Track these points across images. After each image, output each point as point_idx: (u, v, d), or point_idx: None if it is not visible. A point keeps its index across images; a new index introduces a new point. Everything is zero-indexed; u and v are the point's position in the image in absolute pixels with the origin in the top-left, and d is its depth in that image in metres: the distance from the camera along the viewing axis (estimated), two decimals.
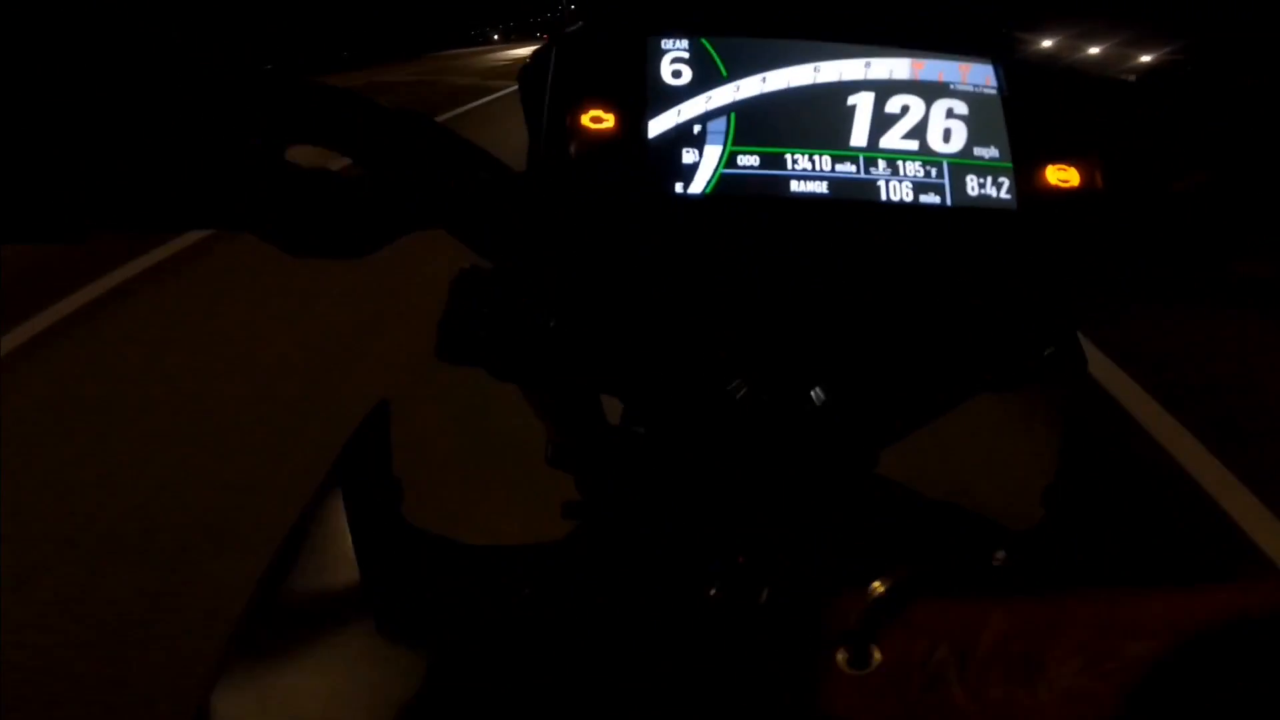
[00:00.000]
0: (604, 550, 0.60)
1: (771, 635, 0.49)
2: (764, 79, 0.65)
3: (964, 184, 0.66)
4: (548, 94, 0.65)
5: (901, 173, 0.65)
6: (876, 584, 0.47)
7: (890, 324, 0.63)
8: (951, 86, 0.66)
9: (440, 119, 0.59)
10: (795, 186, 0.64)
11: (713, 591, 0.52)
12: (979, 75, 0.67)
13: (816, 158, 0.64)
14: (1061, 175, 0.66)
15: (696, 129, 0.64)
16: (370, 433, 0.68)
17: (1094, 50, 8.46)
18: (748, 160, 0.64)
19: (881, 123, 0.65)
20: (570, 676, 0.52)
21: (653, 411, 0.63)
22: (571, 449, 0.67)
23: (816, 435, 0.61)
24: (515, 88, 0.68)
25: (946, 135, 0.66)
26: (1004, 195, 0.66)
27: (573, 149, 0.62)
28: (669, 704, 0.49)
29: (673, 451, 0.62)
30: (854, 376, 0.62)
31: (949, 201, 0.65)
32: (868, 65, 0.65)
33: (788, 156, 0.64)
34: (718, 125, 0.64)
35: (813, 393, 0.61)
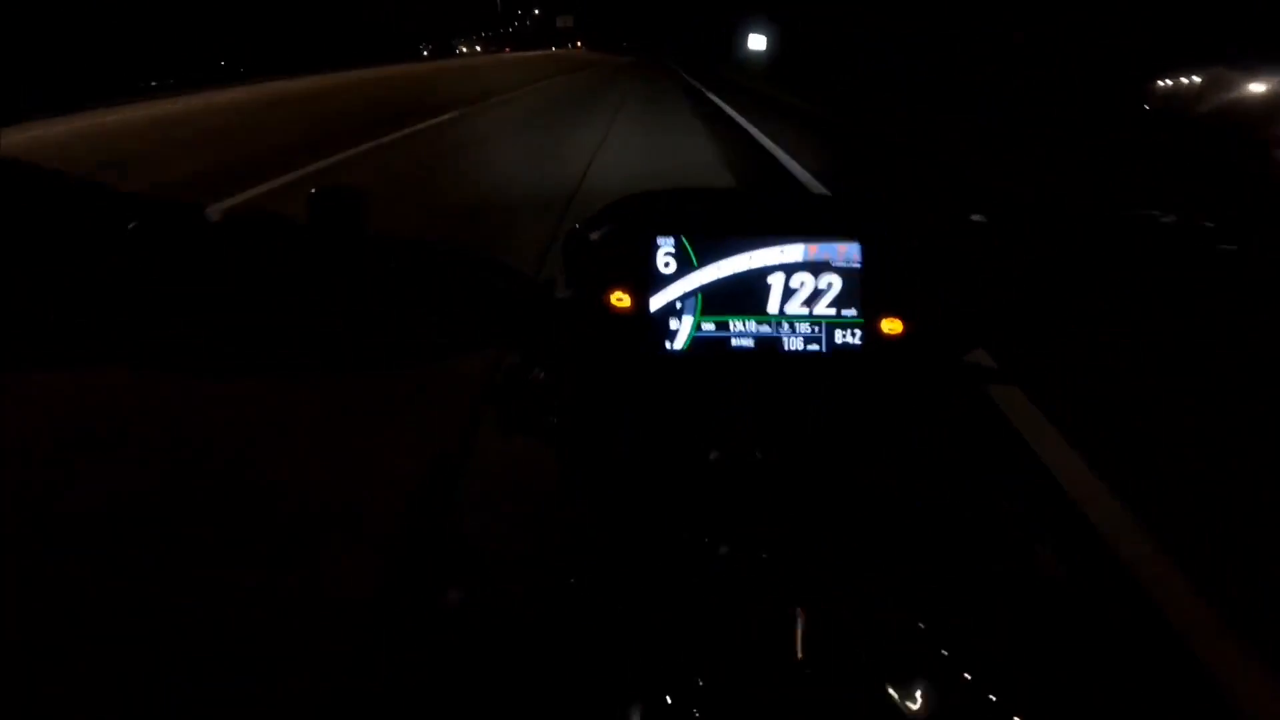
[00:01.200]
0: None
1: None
2: (719, 267, 1.03)
3: (834, 336, 1.06)
4: (588, 279, 1.03)
5: (797, 330, 1.05)
6: None
7: (795, 417, 1.04)
8: (831, 264, 1.04)
9: None
10: (735, 342, 1.05)
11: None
12: (850, 253, 1.04)
13: (747, 322, 1.05)
14: (891, 326, 1.05)
15: (678, 305, 1.04)
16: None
17: None
18: (709, 326, 1.05)
19: (787, 295, 1.04)
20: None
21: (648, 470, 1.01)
22: (587, 493, 1.00)
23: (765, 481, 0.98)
24: None
25: (825, 301, 1.05)
26: (858, 342, 1.06)
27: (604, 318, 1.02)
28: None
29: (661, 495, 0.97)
30: (781, 442, 1.00)
31: (825, 350, 1.06)
32: (781, 252, 1.03)
33: (731, 322, 1.05)
34: (691, 303, 1.04)
35: (756, 452, 0.99)
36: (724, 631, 0.80)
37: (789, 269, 1.04)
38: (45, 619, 1.85)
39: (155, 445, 2.70)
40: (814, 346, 1.05)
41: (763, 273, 1.03)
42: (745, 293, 1.04)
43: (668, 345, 1.03)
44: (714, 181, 8.16)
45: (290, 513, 2.21)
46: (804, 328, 1.05)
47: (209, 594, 1.22)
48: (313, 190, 0.96)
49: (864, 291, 1.05)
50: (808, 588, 0.84)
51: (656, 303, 1.03)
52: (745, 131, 12.05)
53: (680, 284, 1.03)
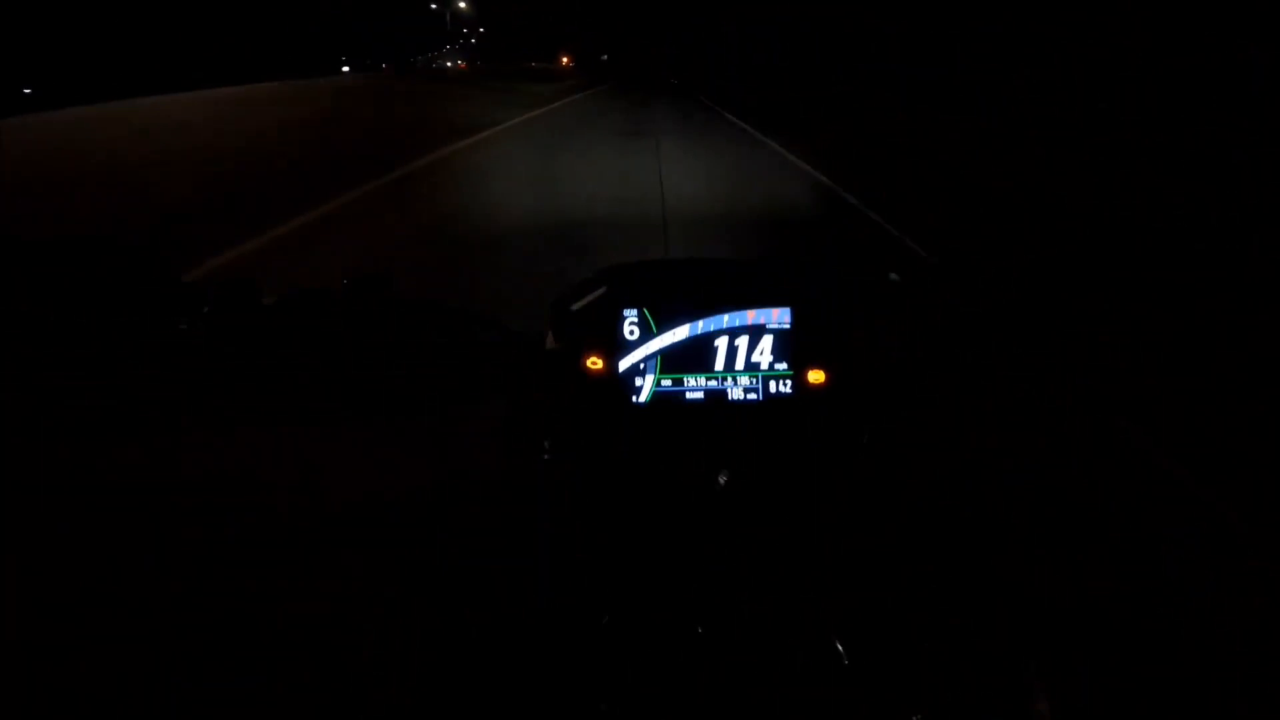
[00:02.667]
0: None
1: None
2: (675, 333, 1.26)
3: (769, 386, 1.29)
4: (570, 344, 1.25)
5: (738, 383, 1.29)
6: None
7: (739, 454, 1.25)
8: (767, 326, 1.27)
9: None
10: (689, 395, 1.29)
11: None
12: (783, 316, 1.27)
13: (698, 379, 1.29)
14: (816, 376, 1.28)
15: (641, 365, 1.27)
16: None
17: None
18: (666, 382, 1.28)
19: (731, 354, 1.27)
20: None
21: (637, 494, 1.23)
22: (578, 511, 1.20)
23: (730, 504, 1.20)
24: None
25: (761, 356, 1.28)
26: (788, 391, 1.29)
27: (583, 377, 1.25)
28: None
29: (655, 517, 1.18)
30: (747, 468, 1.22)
31: (761, 398, 1.29)
32: (726, 319, 1.27)
33: (685, 379, 1.28)
34: (651, 364, 1.27)
35: (719, 477, 1.21)
36: (714, 632, 0.97)
37: (732, 332, 1.27)
38: (45, 618, 1.84)
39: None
40: (752, 396, 1.30)
41: (710, 336, 1.27)
42: (696, 354, 1.27)
43: (634, 399, 1.27)
44: None
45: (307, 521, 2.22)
46: (744, 380, 1.29)
47: (213, 598, 1.23)
48: (345, 281, 1.24)
49: (794, 347, 1.28)
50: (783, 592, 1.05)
51: (624, 364, 1.26)
52: None
53: (643, 349, 1.26)
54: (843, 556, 1.12)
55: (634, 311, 1.25)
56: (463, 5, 59.37)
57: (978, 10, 12.82)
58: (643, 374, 1.26)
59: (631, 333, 1.25)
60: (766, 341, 1.27)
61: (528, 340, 1.32)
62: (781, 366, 1.29)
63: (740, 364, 1.28)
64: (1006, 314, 1.33)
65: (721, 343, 1.27)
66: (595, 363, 1.24)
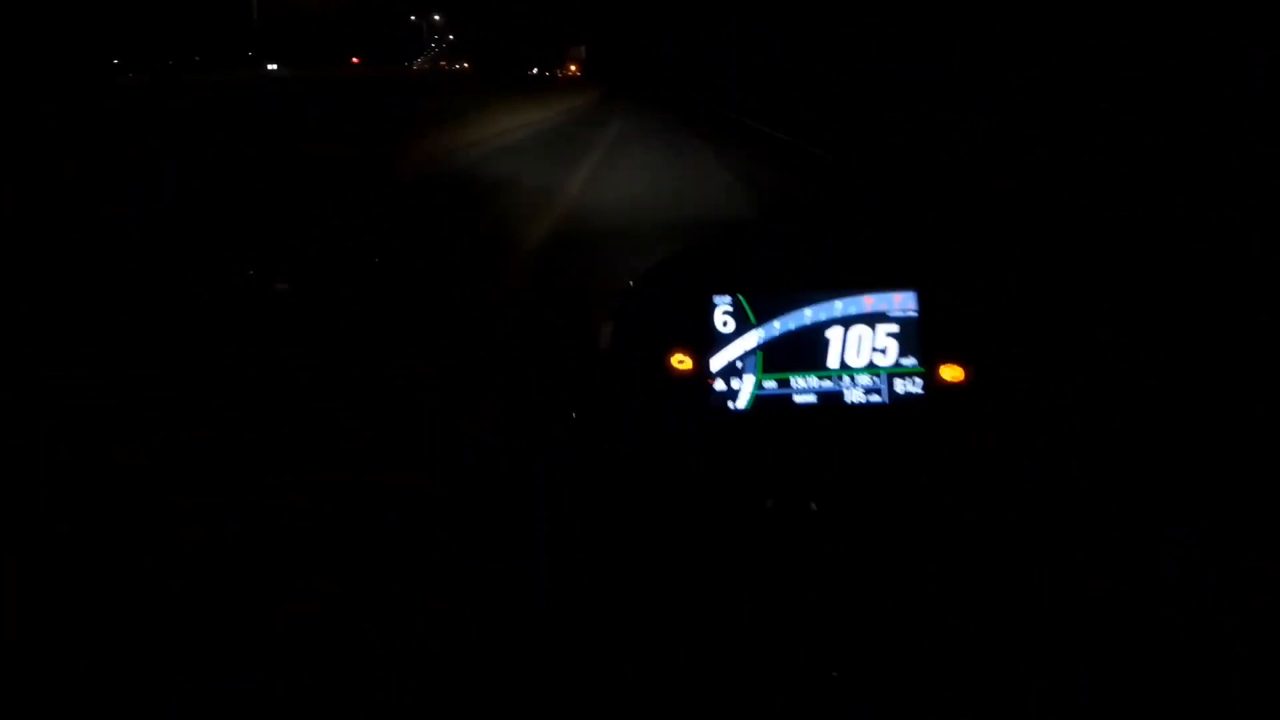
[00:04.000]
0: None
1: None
2: (777, 323, 1.07)
3: (894, 386, 1.10)
4: (647, 341, 1.05)
5: (857, 383, 1.09)
6: None
7: (855, 474, 1.06)
8: (888, 314, 1.09)
9: None
10: (797, 399, 1.08)
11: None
12: (906, 302, 1.09)
13: (808, 379, 1.09)
14: (952, 373, 1.10)
15: (739, 364, 1.06)
16: None
17: None
18: (770, 384, 1.08)
19: (846, 349, 1.08)
20: None
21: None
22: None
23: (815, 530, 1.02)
24: None
25: (885, 352, 1.09)
26: (918, 391, 1.10)
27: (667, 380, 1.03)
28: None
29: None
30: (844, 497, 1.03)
31: (887, 400, 1.09)
32: (839, 305, 1.07)
33: (792, 379, 1.08)
34: (751, 361, 1.07)
35: (810, 504, 1.03)
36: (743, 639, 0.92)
37: (847, 321, 1.08)
38: (45, 618, 1.85)
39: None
40: (875, 398, 1.10)
41: (821, 327, 1.08)
42: (805, 348, 1.08)
43: (730, 405, 1.06)
44: None
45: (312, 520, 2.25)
46: (864, 379, 1.10)
47: (213, 597, 1.24)
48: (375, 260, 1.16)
49: (922, 339, 1.09)
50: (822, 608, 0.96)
51: (717, 363, 1.06)
52: None
53: (740, 343, 1.06)
54: (844, 556, 1.02)
55: (727, 299, 1.06)
56: (437, 18, 59.98)
57: (977, 10, 12.81)
58: (740, 374, 1.07)
59: (725, 324, 1.06)
60: (890, 332, 1.09)
61: (571, 336, 1.14)
62: (909, 362, 1.10)
63: (859, 360, 1.09)
64: (1005, 313, 1.26)
65: (835, 334, 1.08)
66: (682, 361, 1.05)
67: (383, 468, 1.20)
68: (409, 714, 0.92)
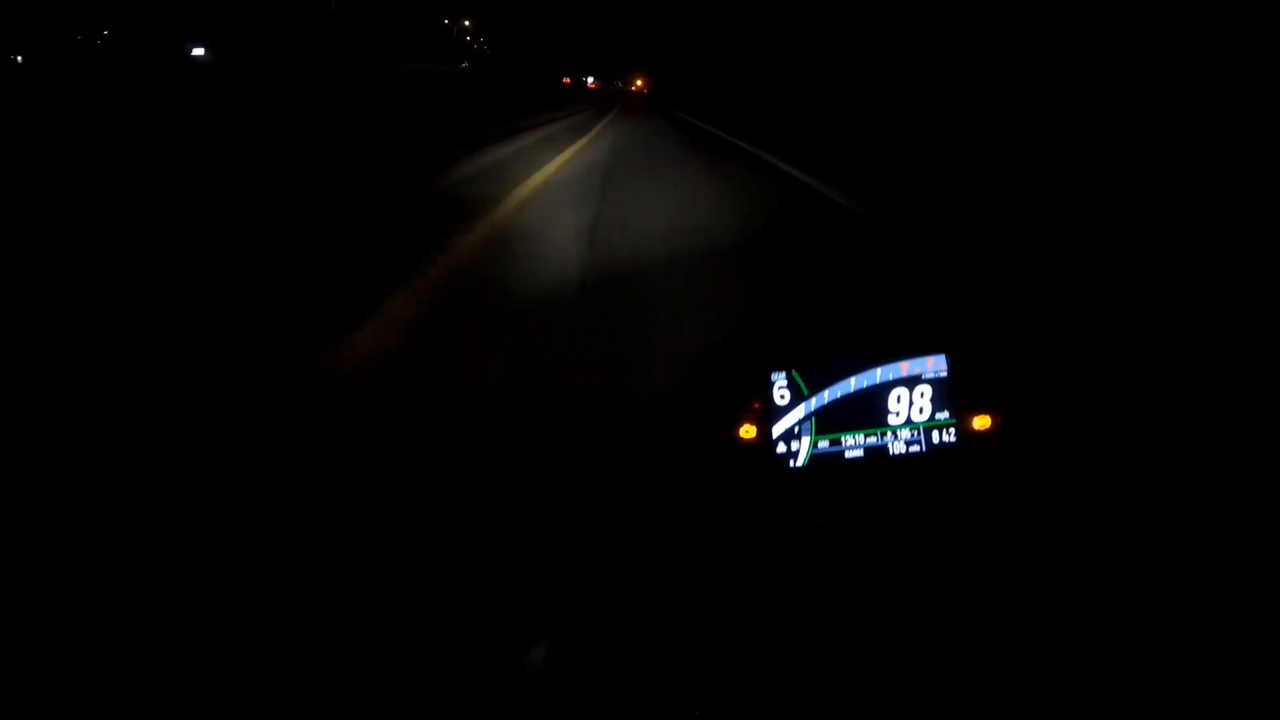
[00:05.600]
0: None
1: None
2: (826, 394, 1.23)
3: (932, 437, 1.26)
4: (714, 415, 1.22)
5: (899, 437, 1.25)
6: None
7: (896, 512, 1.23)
8: (922, 376, 1.24)
9: None
10: (848, 454, 1.24)
11: None
12: (938, 364, 1.25)
13: (856, 436, 1.24)
14: (981, 422, 1.25)
15: (795, 429, 1.22)
16: None
17: None
18: (824, 444, 1.23)
19: (888, 408, 1.24)
20: None
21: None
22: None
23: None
24: None
25: (922, 409, 1.25)
26: (953, 440, 1.26)
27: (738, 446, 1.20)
28: None
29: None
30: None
31: (925, 450, 1.25)
32: (880, 373, 1.23)
33: (843, 438, 1.24)
34: (806, 426, 1.23)
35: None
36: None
37: (887, 386, 1.23)
38: (45, 618, 1.87)
39: None
40: (915, 448, 1.25)
41: (865, 393, 1.23)
42: (853, 411, 1.23)
43: (791, 464, 1.22)
44: None
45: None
46: (905, 433, 1.25)
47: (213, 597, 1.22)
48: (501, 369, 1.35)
49: (953, 394, 1.25)
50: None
51: (778, 430, 1.21)
52: None
53: (795, 412, 1.22)
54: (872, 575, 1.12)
55: (782, 375, 1.21)
56: (467, 23, 58.85)
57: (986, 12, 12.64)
58: (798, 438, 1.22)
59: (782, 397, 1.21)
60: (924, 391, 1.24)
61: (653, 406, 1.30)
62: (943, 415, 1.25)
63: (899, 417, 1.24)
64: (1033, 362, 1.34)
65: (878, 398, 1.23)
66: (749, 431, 1.20)
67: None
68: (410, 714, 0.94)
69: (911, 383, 1.23)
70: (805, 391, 1.21)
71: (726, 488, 1.21)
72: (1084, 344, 1.42)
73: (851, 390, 1.22)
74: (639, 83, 43.54)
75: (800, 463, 1.22)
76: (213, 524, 1.15)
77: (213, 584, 1.04)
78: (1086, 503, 1.23)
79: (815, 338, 1.29)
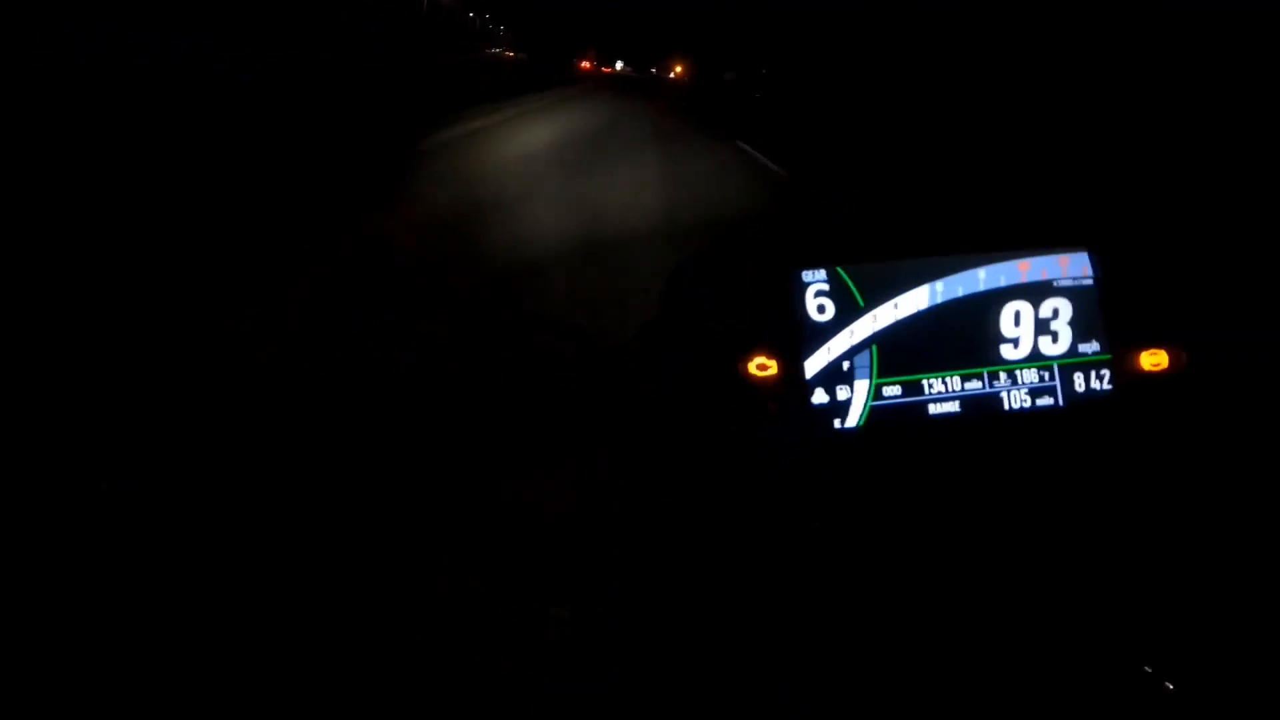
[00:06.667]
0: None
1: None
2: (895, 305, 0.75)
3: (1072, 381, 0.77)
4: (713, 339, 0.77)
5: (1020, 381, 0.77)
6: None
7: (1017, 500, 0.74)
8: (1055, 284, 0.77)
9: None
10: (933, 409, 0.76)
11: None
12: (1076, 266, 0.77)
13: (948, 380, 0.76)
14: (1154, 360, 0.78)
15: (845, 365, 0.74)
16: None
17: None
18: (891, 390, 0.75)
19: (999, 335, 0.76)
20: None
21: None
22: None
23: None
24: None
25: (1055, 337, 0.77)
26: (1106, 387, 0.77)
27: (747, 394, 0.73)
28: None
29: None
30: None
31: (1061, 402, 0.77)
32: (982, 275, 0.75)
33: (924, 382, 0.76)
34: (863, 359, 0.75)
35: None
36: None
37: (997, 297, 0.76)
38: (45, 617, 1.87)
39: None
40: (1046, 401, 0.77)
41: (962, 306, 0.76)
42: (941, 338, 0.76)
43: (836, 423, 0.74)
44: None
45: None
46: (1029, 376, 0.77)
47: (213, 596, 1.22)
48: None
49: (1106, 317, 0.78)
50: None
51: (814, 365, 0.74)
52: None
53: (843, 335, 0.74)
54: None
55: (820, 274, 0.74)
56: (486, 16, 59.29)
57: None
58: (848, 379, 0.75)
59: (821, 310, 0.74)
60: (1059, 309, 0.77)
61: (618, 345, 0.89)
62: (1090, 348, 0.78)
63: (1019, 349, 0.77)
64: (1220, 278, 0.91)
65: (982, 316, 0.76)
66: (764, 366, 0.74)
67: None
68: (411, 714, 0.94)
69: (1037, 293, 0.76)
70: (860, 302, 0.74)
71: (730, 466, 0.77)
72: None
73: (939, 301, 0.75)
74: (679, 69, 39.44)
75: (853, 422, 0.74)
76: (213, 524, 1.16)
77: (213, 584, 1.05)
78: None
79: (877, 217, 0.87)
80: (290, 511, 1.18)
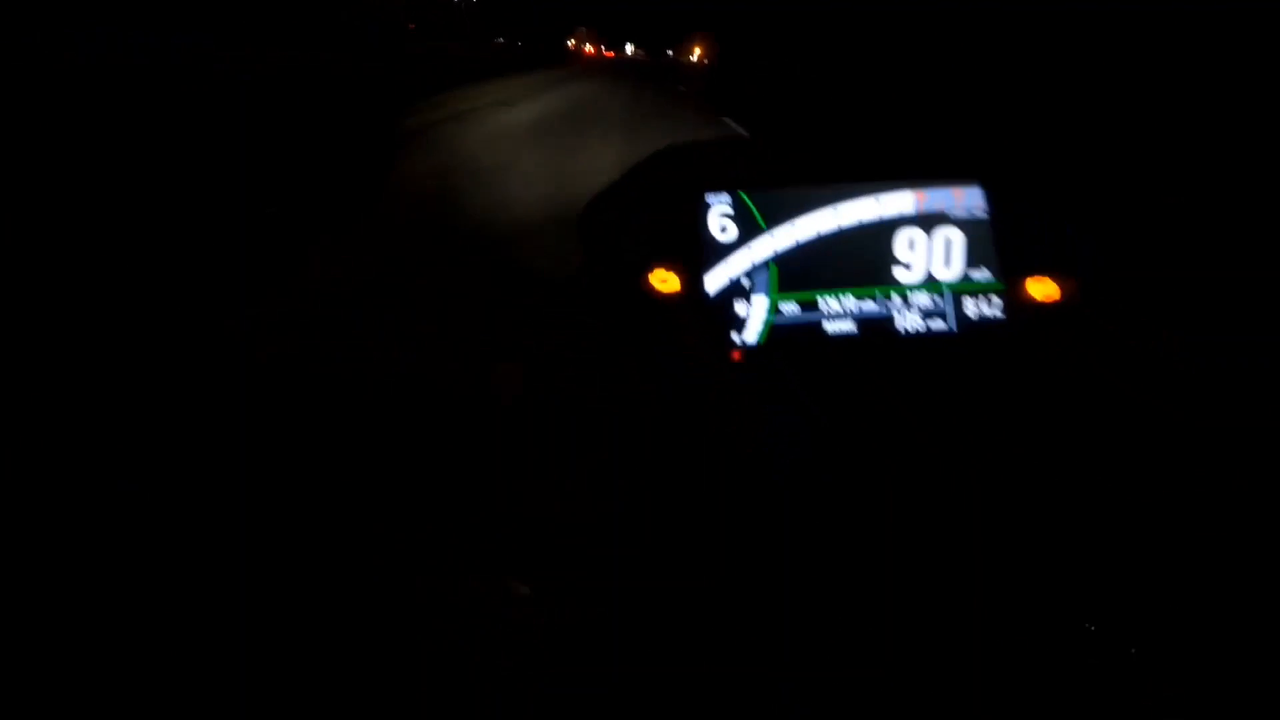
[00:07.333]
0: None
1: None
2: (795, 225, 0.79)
3: (963, 307, 0.81)
4: (620, 255, 0.81)
5: (913, 304, 0.80)
6: None
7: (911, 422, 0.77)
8: (949, 214, 0.81)
9: None
10: (829, 327, 0.79)
11: None
12: (971, 199, 0.81)
13: (843, 299, 0.80)
14: (1044, 289, 0.81)
15: (746, 282, 0.78)
16: None
17: None
18: (789, 307, 0.79)
19: (894, 258, 0.80)
20: None
21: None
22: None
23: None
24: None
25: (947, 262, 0.80)
26: (997, 314, 0.81)
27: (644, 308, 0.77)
28: None
29: None
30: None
31: (953, 326, 0.80)
32: (878, 201, 0.79)
33: (821, 300, 0.79)
34: (762, 277, 0.79)
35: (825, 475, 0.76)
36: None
37: (892, 224, 0.79)
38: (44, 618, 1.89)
39: None
40: (939, 324, 0.80)
41: (859, 232, 0.79)
42: (838, 259, 0.79)
43: (735, 337, 0.78)
44: None
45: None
46: (923, 299, 0.80)
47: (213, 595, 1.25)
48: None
49: (1000, 244, 0.81)
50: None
51: (714, 281, 0.78)
52: None
53: (745, 253, 0.78)
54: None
55: (724, 197, 0.79)
56: None
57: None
58: (748, 295, 0.78)
59: (723, 230, 0.78)
60: (952, 238, 0.80)
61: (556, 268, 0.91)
62: (982, 275, 0.81)
63: (913, 272, 0.80)
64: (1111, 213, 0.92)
65: (878, 240, 0.80)
66: (665, 279, 0.78)
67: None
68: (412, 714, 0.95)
69: (930, 223, 0.80)
70: (761, 223, 0.78)
71: (637, 374, 0.82)
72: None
73: (838, 227, 0.78)
74: (699, 50, 34.51)
75: (752, 337, 0.78)
76: (213, 524, 1.17)
77: (213, 584, 1.06)
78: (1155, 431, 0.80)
79: (779, 145, 0.91)
80: (290, 511, 1.18)
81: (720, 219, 0.79)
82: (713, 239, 0.79)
